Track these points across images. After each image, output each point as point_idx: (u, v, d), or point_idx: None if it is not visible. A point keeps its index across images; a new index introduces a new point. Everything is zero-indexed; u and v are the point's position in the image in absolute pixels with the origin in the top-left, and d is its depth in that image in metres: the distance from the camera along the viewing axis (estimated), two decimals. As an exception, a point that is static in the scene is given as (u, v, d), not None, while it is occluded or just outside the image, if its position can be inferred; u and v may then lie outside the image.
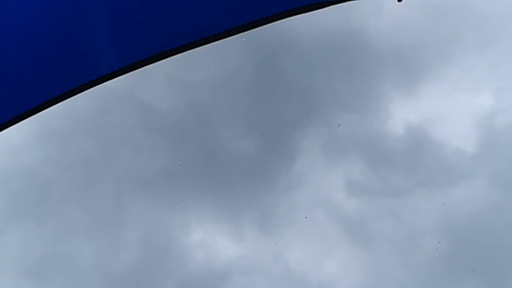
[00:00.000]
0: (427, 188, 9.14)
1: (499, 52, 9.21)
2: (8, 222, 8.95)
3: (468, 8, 9.25)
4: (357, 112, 9.22)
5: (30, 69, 2.21)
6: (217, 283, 9.00)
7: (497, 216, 8.81)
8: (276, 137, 9.31)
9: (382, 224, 9.23)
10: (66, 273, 8.96)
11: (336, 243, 9.26)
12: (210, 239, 9.16)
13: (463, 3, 9.18)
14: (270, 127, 9.31)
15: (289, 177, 9.30)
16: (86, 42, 2.19)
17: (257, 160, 9.31)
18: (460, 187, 9.12)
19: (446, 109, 9.47)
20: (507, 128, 9.03)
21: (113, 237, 8.99)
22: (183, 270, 9.05)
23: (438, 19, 9.41)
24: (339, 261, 9.26)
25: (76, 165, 8.89)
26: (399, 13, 9.42)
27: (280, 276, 9.15)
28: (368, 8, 9.30)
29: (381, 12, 9.38)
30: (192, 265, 9.09)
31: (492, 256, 8.78)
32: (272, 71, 9.24)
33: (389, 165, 9.25)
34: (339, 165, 9.33)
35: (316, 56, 9.28)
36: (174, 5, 2.11)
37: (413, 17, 9.43)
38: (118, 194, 8.98)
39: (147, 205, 9.03)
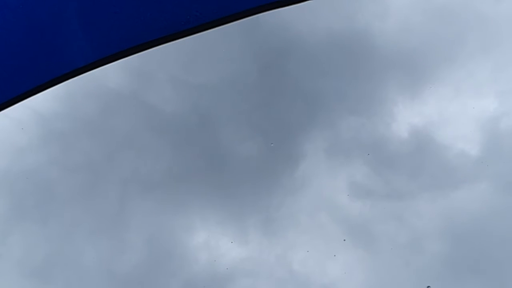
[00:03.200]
0: (430, 191, 9.15)
1: (503, 55, 9.21)
2: (12, 223, 8.97)
3: (473, 11, 9.24)
4: (361, 115, 9.23)
5: (2, 63, 2.14)
6: (221, 284, 9.02)
7: (501, 219, 8.83)
8: (280, 140, 9.32)
9: (385, 226, 9.24)
10: (70, 274, 8.97)
11: (339, 246, 9.27)
12: (214, 241, 9.18)
13: (467, 6, 9.18)
14: (274, 129, 9.32)
15: (293, 180, 9.31)
16: (59, 35, 2.11)
17: (261, 162, 9.32)
18: (464, 190, 9.13)
19: (450, 112, 9.47)
20: (511, 131, 9.04)
21: (117, 238, 9.00)
22: (187, 271, 9.07)
23: (443, 22, 9.41)
24: (342, 264, 9.28)
25: (80, 167, 8.90)
26: (403, 16, 9.42)
27: (284, 278, 9.17)
28: (373, 10, 9.30)
29: (386, 14, 9.38)
30: (196, 267, 9.11)
31: (496, 259, 8.79)
32: (276, 74, 9.24)
33: (393, 168, 9.26)
34: (343, 168, 9.34)
35: (320, 59, 9.28)
36: None
37: (418, 19, 9.43)
38: (122, 196, 9.00)
39: (151, 207, 9.04)
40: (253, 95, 9.22)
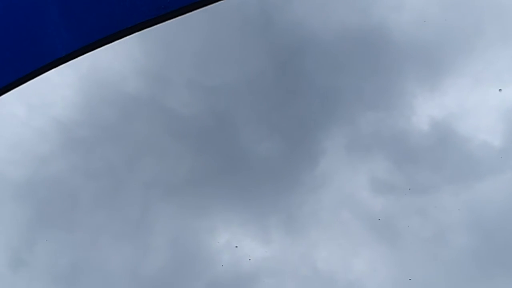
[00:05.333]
0: (454, 184, 9.03)
1: (523, 42, 9.02)
2: (37, 232, 9.09)
3: (490, 0, 9.07)
4: (380, 110, 9.14)
5: None
6: (245, 285, 9.03)
7: (527, 210, 8.67)
8: (299, 138, 9.28)
9: (409, 221, 9.15)
10: (96, 279, 9.06)
11: (363, 242, 9.21)
12: (237, 242, 9.19)
13: (484, -6, 9.01)
14: (293, 128, 9.28)
15: (314, 178, 9.27)
16: (38, 24, 2.08)
17: (281, 161, 9.29)
18: (488, 181, 8.99)
19: (471, 103, 9.32)
20: (534, 120, 8.87)
21: (141, 242, 9.07)
22: (211, 273, 9.10)
23: (460, 12, 9.25)
24: (367, 260, 9.22)
25: (102, 173, 8.98)
26: (419, 7, 9.28)
27: (308, 277, 9.15)
28: (388, 3, 9.18)
29: (401, 6, 9.26)
30: (220, 268, 9.14)
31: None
32: (292, 72, 9.19)
33: (415, 162, 9.16)
34: (364, 164, 9.27)
35: (336, 55, 9.21)
36: None
37: (434, 11, 9.29)
38: (144, 200, 9.06)
39: (174, 210, 9.09)
40: (270, 94, 9.19)
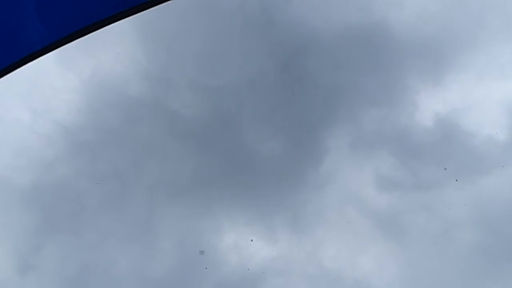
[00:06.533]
0: (459, 180, 8.99)
1: (526, 35, 8.97)
2: (45, 236, 9.13)
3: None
4: (384, 107, 9.12)
5: None
6: (252, 285, 9.03)
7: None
8: (303, 137, 9.27)
9: (415, 217, 9.13)
10: (104, 282, 9.09)
11: (369, 239, 9.19)
12: (243, 241, 9.19)
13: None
14: (296, 127, 9.27)
15: (318, 176, 9.26)
16: (13, 18, 2.06)
17: (285, 160, 9.29)
18: (493, 176, 8.94)
19: (474, 98, 9.28)
20: (539, 113, 8.81)
21: (148, 245, 9.09)
22: (218, 273, 9.11)
23: (461, 6, 9.21)
24: (373, 257, 9.21)
25: (107, 176, 9.00)
26: (420, 3, 9.25)
27: (315, 275, 9.14)
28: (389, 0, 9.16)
29: (402, 3, 9.23)
30: (227, 268, 9.14)
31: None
32: (295, 71, 9.19)
33: (419, 158, 9.13)
34: (368, 161, 9.25)
35: (338, 53, 9.19)
36: None
37: (435, 5, 9.26)
38: (150, 203, 9.08)
39: (179, 212, 9.10)
40: (273, 94, 9.19)
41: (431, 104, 9.15)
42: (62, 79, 8.71)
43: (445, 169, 8.61)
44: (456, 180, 8.94)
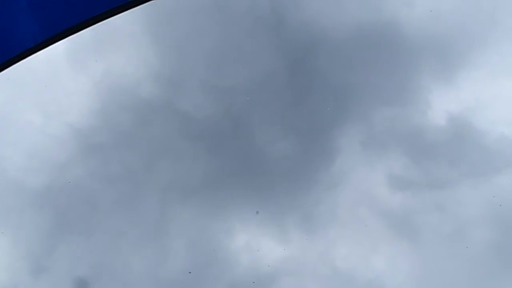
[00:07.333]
0: (472, 178, 8.93)
1: (539, 32, 8.90)
2: (57, 238, 9.18)
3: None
4: (395, 105, 9.07)
5: None
6: (265, 285, 9.02)
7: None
8: (314, 137, 9.25)
9: (428, 217, 9.07)
10: (117, 284, 9.13)
11: (382, 239, 9.15)
12: (255, 242, 9.18)
13: (497, -15, 8.91)
14: (307, 127, 9.25)
15: (330, 176, 9.24)
16: (5, 15, 2.02)
17: (296, 160, 9.27)
18: (507, 175, 8.88)
19: (487, 96, 9.22)
20: (553, 111, 8.74)
21: (160, 246, 9.11)
22: (230, 274, 9.11)
23: (473, 4, 9.15)
24: (386, 257, 9.16)
25: (119, 177, 9.04)
26: (431, 1, 9.20)
27: (328, 276, 9.11)
28: (399, -2, 9.12)
29: (412, 1, 9.19)
30: (239, 269, 9.14)
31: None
32: (305, 71, 9.17)
33: (432, 157, 9.07)
34: (381, 160, 9.21)
35: (349, 52, 9.16)
36: None
37: (446, 3, 9.21)
38: (162, 204, 9.10)
39: (191, 213, 9.11)
40: (284, 94, 9.18)
41: (443, 102, 9.10)
42: (74, 81, 8.76)
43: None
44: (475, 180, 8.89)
